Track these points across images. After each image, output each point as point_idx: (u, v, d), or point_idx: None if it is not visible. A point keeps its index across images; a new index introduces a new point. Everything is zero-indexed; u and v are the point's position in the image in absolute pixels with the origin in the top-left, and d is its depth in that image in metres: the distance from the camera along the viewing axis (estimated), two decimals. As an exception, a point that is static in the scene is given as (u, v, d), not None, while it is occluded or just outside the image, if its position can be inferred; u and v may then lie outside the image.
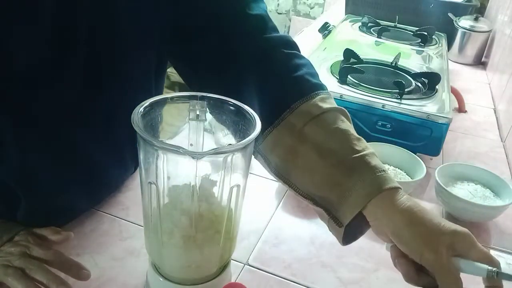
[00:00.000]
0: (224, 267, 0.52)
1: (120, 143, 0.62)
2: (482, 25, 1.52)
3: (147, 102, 0.46)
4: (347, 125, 0.53)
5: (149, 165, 0.45)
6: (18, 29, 0.44)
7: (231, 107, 0.49)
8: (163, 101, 0.48)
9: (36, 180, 0.55)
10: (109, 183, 0.67)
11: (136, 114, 0.43)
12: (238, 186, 0.46)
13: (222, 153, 0.42)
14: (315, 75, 0.58)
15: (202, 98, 0.49)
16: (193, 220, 0.46)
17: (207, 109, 0.49)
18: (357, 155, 0.50)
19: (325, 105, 0.53)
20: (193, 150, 0.43)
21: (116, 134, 0.60)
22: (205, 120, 0.49)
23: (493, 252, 0.68)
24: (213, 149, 0.41)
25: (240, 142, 0.43)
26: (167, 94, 0.49)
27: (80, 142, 0.56)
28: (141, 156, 0.45)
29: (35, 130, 0.51)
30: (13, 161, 0.51)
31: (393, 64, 1.07)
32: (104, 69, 0.54)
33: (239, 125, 0.48)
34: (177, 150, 0.40)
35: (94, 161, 0.59)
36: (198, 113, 0.48)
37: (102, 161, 0.61)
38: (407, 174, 0.79)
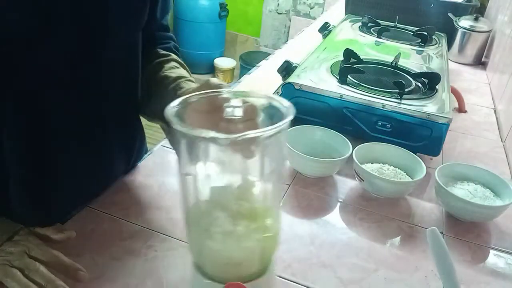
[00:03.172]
0: (267, 267, 0.51)
1: (107, 141, 0.66)
2: (482, 25, 1.52)
3: (178, 100, 0.46)
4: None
5: (187, 158, 0.44)
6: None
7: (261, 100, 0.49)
8: (197, 98, 0.48)
9: (24, 166, 0.57)
10: (96, 180, 0.68)
11: (169, 109, 0.43)
12: (277, 180, 0.45)
13: (256, 136, 0.41)
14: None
15: (237, 95, 0.48)
16: (232, 218, 0.45)
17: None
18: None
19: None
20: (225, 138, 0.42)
21: (104, 132, 0.65)
22: (239, 116, 0.48)
23: (493, 252, 0.68)
24: (246, 133, 0.40)
25: (274, 125, 0.41)
26: (198, 92, 0.48)
27: (68, 135, 0.59)
28: (180, 149, 0.44)
29: (26, 120, 0.54)
30: (6, 145, 0.53)
31: (393, 64, 1.07)
32: (94, 54, 0.57)
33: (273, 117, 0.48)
34: (212, 136, 0.39)
35: (80, 157, 0.62)
36: (232, 109, 0.47)
37: (88, 157, 0.63)
38: (407, 174, 0.79)
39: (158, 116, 0.65)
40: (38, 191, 0.59)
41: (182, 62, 0.73)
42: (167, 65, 0.69)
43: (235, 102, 0.47)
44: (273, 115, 0.46)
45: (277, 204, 0.48)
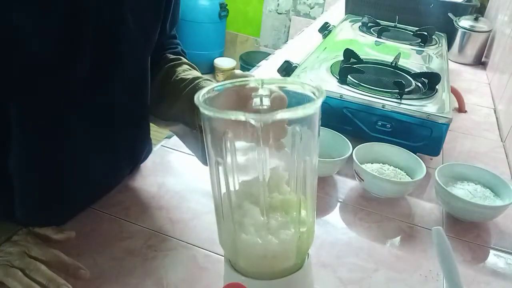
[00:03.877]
0: (303, 261, 0.49)
1: (117, 143, 0.65)
2: (482, 25, 1.52)
3: (209, 87, 0.45)
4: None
5: (216, 145, 0.43)
6: (32, 18, 0.47)
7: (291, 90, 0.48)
8: (225, 86, 0.47)
9: (34, 168, 0.56)
10: (102, 182, 0.68)
11: (199, 96, 0.42)
12: (310, 170, 0.44)
13: (287, 115, 0.40)
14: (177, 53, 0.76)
15: (263, 83, 0.47)
16: (264, 210, 0.45)
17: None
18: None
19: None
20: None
21: (114, 133, 0.63)
22: (269, 106, 0.46)
23: (493, 252, 0.68)
24: (277, 111, 0.39)
25: (304, 105, 0.40)
26: (228, 80, 0.48)
27: (79, 137, 0.58)
28: (208, 136, 0.44)
29: (38, 120, 0.53)
30: (15, 148, 0.53)
31: (393, 64, 1.07)
32: (108, 67, 0.57)
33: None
34: (240, 114, 0.38)
35: (89, 158, 0.61)
36: (262, 99, 0.46)
37: (97, 158, 0.62)
38: (407, 174, 0.79)
39: (174, 119, 0.66)
40: (45, 195, 0.58)
41: (193, 65, 0.73)
42: (180, 68, 0.69)
43: (263, 91, 0.46)
44: (303, 101, 0.45)
45: (311, 195, 0.47)
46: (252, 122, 0.39)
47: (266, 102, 0.45)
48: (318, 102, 0.41)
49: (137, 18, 0.59)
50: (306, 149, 0.45)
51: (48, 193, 0.59)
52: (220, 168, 0.44)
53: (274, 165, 0.45)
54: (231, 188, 0.45)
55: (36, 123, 0.53)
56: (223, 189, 0.45)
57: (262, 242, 0.45)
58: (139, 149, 0.73)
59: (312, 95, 0.45)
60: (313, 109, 0.42)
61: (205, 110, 0.41)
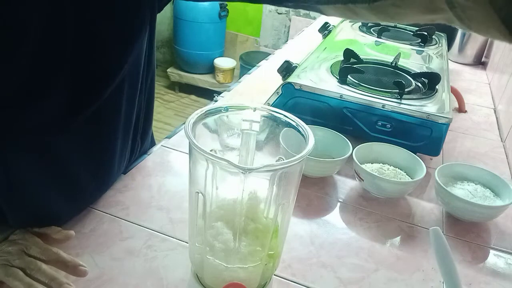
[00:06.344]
0: (265, 284, 0.51)
1: (104, 161, 0.63)
2: (482, 25, 1.53)
3: (202, 111, 0.46)
4: None
5: (198, 175, 0.44)
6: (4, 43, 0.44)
7: (283, 120, 0.49)
8: (217, 111, 0.48)
9: (21, 187, 0.54)
10: (85, 196, 0.66)
11: (189, 122, 0.43)
12: (286, 203, 0.45)
13: (272, 170, 0.41)
14: None
15: (256, 109, 0.48)
16: (237, 235, 0.45)
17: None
18: None
19: None
20: (242, 165, 0.41)
21: (100, 153, 0.61)
22: (258, 132, 0.47)
23: (493, 252, 0.68)
24: (264, 165, 0.40)
25: (293, 158, 0.41)
26: (222, 104, 0.48)
27: (64, 156, 0.56)
28: (191, 165, 0.44)
29: (21, 142, 0.51)
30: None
31: (393, 64, 1.07)
32: (88, 86, 0.53)
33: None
34: (226, 163, 0.39)
35: (75, 174, 0.59)
36: (251, 124, 0.47)
37: (83, 175, 0.60)
38: (407, 174, 0.79)
39: None
40: (42, 201, 0.58)
41: None
42: None
43: (254, 116, 0.47)
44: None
45: (286, 223, 0.48)
46: (237, 172, 0.40)
47: (256, 127, 0.46)
48: (305, 153, 0.42)
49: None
50: (288, 181, 0.45)
51: (37, 214, 0.57)
52: (200, 195, 0.45)
53: (253, 187, 0.45)
54: (207, 210, 0.45)
55: (20, 148, 0.51)
56: (200, 211, 0.46)
57: (229, 269, 0.46)
58: (128, 151, 0.71)
59: (302, 134, 0.46)
60: (300, 158, 0.42)
61: (194, 145, 0.41)
